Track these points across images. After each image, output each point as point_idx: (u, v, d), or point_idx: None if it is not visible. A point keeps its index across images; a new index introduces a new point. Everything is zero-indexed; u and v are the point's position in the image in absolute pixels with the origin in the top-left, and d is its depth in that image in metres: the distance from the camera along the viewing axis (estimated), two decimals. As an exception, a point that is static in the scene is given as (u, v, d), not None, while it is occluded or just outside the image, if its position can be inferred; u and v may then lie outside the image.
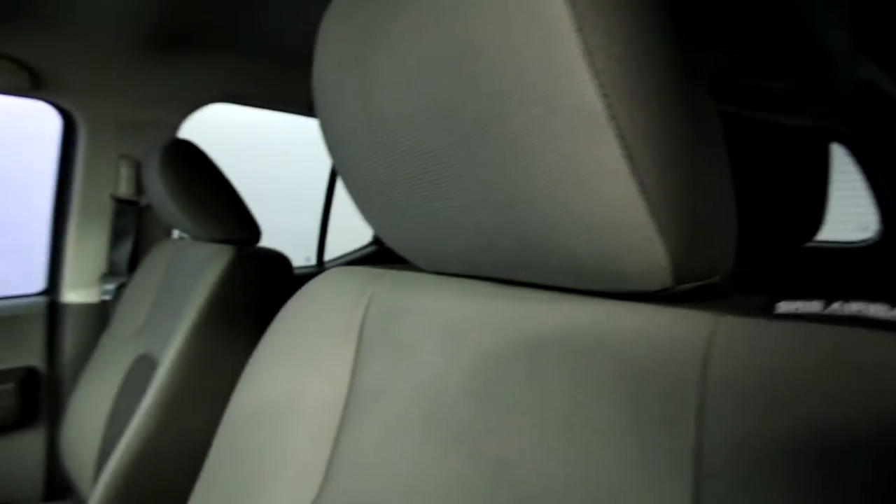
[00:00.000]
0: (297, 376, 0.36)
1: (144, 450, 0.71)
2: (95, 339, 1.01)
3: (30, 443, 1.03)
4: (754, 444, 0.18)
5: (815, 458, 0.17)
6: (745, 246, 0.25)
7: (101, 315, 1.07)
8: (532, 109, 0.20)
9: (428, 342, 0.31)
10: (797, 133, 0.73)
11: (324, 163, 1.59)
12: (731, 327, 0.21)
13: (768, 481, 0.18)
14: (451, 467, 0.27)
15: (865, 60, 0.96)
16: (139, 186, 1.08)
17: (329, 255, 1.64)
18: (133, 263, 1.09)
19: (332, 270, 0.40)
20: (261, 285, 0.83)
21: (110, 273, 1.09)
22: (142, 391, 0.78)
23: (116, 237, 1.10)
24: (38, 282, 1.10)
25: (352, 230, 1.68)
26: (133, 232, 1.10)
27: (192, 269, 0.82)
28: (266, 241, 0.93)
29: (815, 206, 0.72)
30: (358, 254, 1.71)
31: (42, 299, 1.06)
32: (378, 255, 1.68)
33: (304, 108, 1.26)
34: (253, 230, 0.91)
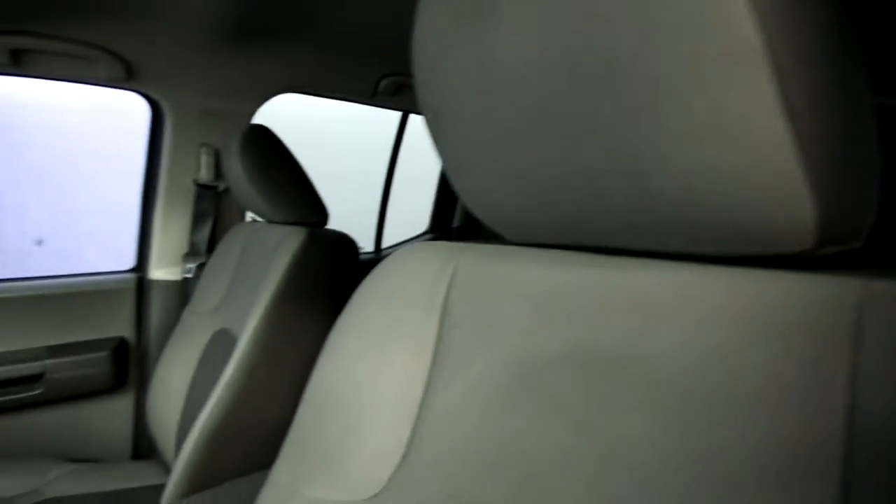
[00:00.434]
0: (380, 346, 0.37)
1: (226, 416, 0.75)
2: (178, 314, 1.09)
3: (120, 406, 1.12)
4: None
5: None
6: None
7: (183, 291, 1.15)
8: (679, 47, 0.19)
9: (519, 312, 0.30)
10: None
11: (372, 155, 1.62)
12: (886, 292, 0.19)
13: None
14: (551, 438, 0.26)
15: None
16: (217, 172, 1.15)
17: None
18: (212, 244, 1.16)
19: (413, 245, 0.40)
20: (331, 265, 0.86)
21: (191, 253, 1.17)
22: (220, 362, 0.82)
23: (197, 220, 1.17)
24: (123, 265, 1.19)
25: (402, 223, 1.71)
26: (212, 215, 1.17)
27: (268, 249, 0.87)
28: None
29: None
30: (417, 241, 1.74)
31: (131, 276, 1.15)
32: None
33: (368, 95, 1.29)
34: (322, 213, 0.94)
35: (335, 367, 0.39)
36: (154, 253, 1.15)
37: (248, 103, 1.16)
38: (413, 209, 1.84)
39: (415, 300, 0.37)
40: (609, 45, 0.21)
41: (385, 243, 1.69)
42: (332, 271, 0.86)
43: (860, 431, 0.19)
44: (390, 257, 0.41)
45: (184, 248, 1.17)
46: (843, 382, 0.19)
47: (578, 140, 0.24)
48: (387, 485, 0.33)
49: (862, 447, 0.18)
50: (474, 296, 0.34)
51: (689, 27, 0.19)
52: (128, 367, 1.13)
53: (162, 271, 1.15)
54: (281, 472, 0.40)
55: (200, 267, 1.13)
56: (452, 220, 1.77)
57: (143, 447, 1.15)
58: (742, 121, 0.19)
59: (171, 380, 0.94)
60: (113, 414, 1.12)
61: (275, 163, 0.90)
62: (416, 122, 1.57)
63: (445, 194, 1.72)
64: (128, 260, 1.19)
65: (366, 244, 1.63)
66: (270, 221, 0.95)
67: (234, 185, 0.94)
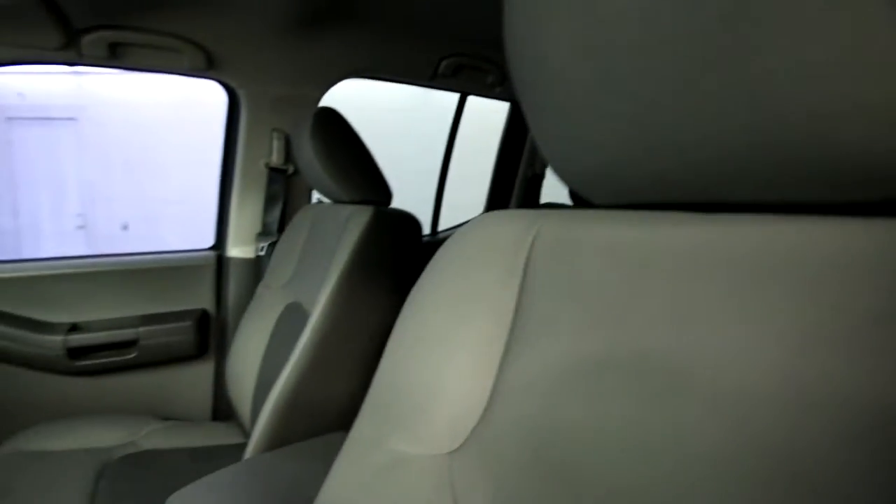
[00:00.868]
0: (459, 310, 0.37)
1: (301, 382, 0.80)
2: (253, 289, 1.16)
3: (202, 372, 1.23)
4: None
5: None
6: None
7: (256, 268, 1.23)
8: None
9: (607, 275, 0.29)
10: None
11: (426, 144, 1.64)
12: None
13: None
14: (642, 409, 0.24)
15: None
16: (287, 156, 1.21)
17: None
18: (282, 224, 1.23)
19: (490, 213, 0.40)
20: (395, 241, 0.89)
21: (263, 233, 1.24)
22: (291, 333, 0.88)
23: (268, 202, 1.24)
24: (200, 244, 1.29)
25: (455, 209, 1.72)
26: (282, 197, 1.24)
27: (336, 227, 0.91)
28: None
29: None
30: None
31: (211, 253, 1.25)
32: None
33: (428, 77, 1.31)
34: (386, 193, 0.97)
35: (415, 326, 0.40)
36: (231, 232, 1.24)
37: (316, 89, 1.21)
38: (467, 196, 1.86)
39: (495, 263, 0.36)
40: None
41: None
42: (396, 248, 0.89)
43: None
44: (468, 224, 0.40)
45: (257, 228, 1.25)
46: None
47: (694, 82, 0.22)
48: (468, 438, 0.33)
49: None
50: (559, 259, 0.32)
51: None
52: (209, 336, 1.23)
53: (238, 249, 1.24)
54: (363, 427, 0.41)
55: (272, 246, 1.20)
56: (508, 206, 1.77)
57: (222, 409, 1.26)
58: (886, 52, 0.17)
59: (248, 349, 1.01)
60: (195, 378, 1.22)
61: (342, 144, 0.94)
62: (472, 107, 1.58)
63: (501, 180, 1.72)
64: (201, 242, 1.29)
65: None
66: (337, 202, 0.99)
67: (304, 166, 0.99)
